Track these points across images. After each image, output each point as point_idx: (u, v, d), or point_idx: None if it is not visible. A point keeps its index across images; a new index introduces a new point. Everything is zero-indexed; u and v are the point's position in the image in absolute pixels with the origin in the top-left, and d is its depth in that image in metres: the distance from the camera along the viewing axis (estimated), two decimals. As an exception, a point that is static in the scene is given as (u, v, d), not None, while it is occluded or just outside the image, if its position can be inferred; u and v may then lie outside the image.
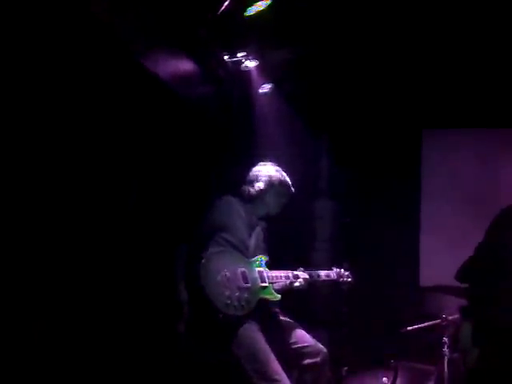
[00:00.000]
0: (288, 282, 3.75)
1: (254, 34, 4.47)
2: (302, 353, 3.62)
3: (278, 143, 4.97)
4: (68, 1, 3.21)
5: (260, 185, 3.86)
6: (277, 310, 3.75)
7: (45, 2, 3.07)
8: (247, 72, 4.79)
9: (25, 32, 2.99)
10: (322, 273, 3.94)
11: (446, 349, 4.04)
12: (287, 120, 5.15)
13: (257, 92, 4.98)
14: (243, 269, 3.59)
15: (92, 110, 3.51)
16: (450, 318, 4.11)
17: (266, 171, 3.90)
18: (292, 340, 3.66)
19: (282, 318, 3.76)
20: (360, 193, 5.53)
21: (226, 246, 3.65)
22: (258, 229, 3.87)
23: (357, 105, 5.63)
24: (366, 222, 5.46)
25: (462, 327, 2.99)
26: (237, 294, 3.48)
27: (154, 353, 3.92)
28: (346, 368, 4.42)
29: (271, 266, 3.77)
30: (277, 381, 3.39)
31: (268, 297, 3.64)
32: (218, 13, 4.07)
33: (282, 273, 3.77)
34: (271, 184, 3.86)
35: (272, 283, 3.68)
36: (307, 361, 3.60)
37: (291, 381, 3.53)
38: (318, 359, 3.60)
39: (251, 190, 3.86)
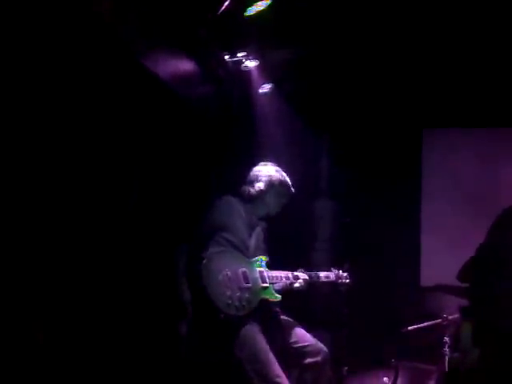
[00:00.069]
0: (288, 282, 3.75)
1: (254, 33, 4.47)
2: (302, 352, 3.62)
3: (278, 143, 4.97)
4: (70, 0, 3.21)
5: (260, 185, 3.86)
6: (277, 309, 3.76)
7: (47, 2, 3.07)
8: (247, 72, 4.79)
9: (26, 30, 2.99)
10: (322, 274, 3.95)
11: (446, 348, 4.03)
12: (287, 120, 5.15)
13: (257, 92, 4.98)
14: (244, 269, 3.60)
15: (92, 109, 3.51)
16: (451, 317, 4.10)
17: (267, 171, 3.90)
18: (293, 339, 3.66)
19: (282, 317, 3.77)
20: (360, 193, 5.52)
21: (226, 245, 3.65)
22: (258, 229, 3.88)
23: (357, 105, 5.63)
24: (366, 221, 5.46)
25: (462, 327, 2.99)
26: (238, 294, 3.48)
27: (155, 353, 3.92)
28: (346, 368, 4.41)
29: (271, 266, 3.78)
30: (276, 382, 3.39)
31: (269, 297, 3.65)
32: (218, 13, 4.07)
33: (282, 273, 3.77)
34: (271, 184, 3.86)
35: (272, 283, 3.68)
36: (308, 360, 3.61)
37: (292, 380, 3.54)
38: (318, 358, 3.61)
39: (251, 190, 3.86)
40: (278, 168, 3.95)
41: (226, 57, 4.63)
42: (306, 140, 5.40)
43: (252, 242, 3.78)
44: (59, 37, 3.19)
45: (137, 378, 3.77)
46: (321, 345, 3.67)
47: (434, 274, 5.28)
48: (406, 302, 5.19)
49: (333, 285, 4.02)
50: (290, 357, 3.63)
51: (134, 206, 3.94)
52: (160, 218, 4.10)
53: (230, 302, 3.44)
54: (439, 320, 4.17)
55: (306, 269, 3.89)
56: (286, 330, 3.70)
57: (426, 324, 4.26)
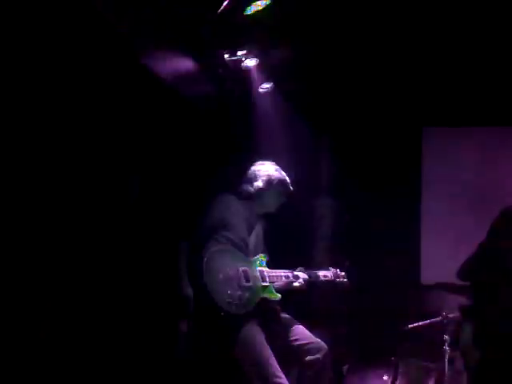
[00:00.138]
0: (288, 281, 3.76)
1: (254, 32, 4.47)
2: (303, 349, 3.63)
3: (278, 142, 4.97)
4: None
5: (259, 183, 3.86)
6: (277, 307, 3.76)
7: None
8: (247, 71, 4.79)
9: (27, 27, 2.99)
10: (320, 273, 3.96)
11: (446, 346, 4.05)
12: (287, 118, 5.14)
13: (257, 91, 4.98)
14: (245, 268, 3.60)
15: (94, 107, 3.51)
16: (451, 315, 4.12)
17: (265, 170, 3.90)
18: (293, 337, 3.67)
19: (282, 315, 3.77)
20: (360, 191, 5.52)
21: (226, 244, 3.65)
22: (258, 227, 3.88)
23: (357, 103, 5.63)
24: (366, 220, 5.46)
25: (462, 327, 2.99)
26: (238, 292, 3.48)
27: (155, 350, 3.93)
28: (346, 366, 4.42)
29: (271, 264, 3.78)
30: (276, 383, 3.40)
31: (269, 296, 3.65)
32: (219, 12, 4.07)
33: (282, 272, 3.78)
34: (270, 183, 3.86)
35: (272, 283, 3.69)
36: (308, 358, 3.61)
37: (292, 378, 3.55)
38: (319, 356, 3.61)
39: (250, 188, 3.86)
40: (276, 166, 3.95)
41: (226, 56, 4.63)
42: (306, 138, 5.39)
43: (252, 241, 3.79)
44: (59, 36, 3.20)
45: (136, 374, 3.77)
46: (321, 342, 3.67)
47: (435, 272, 5.28)
48: (406, 300, 5.19)
49: (332, 283, 4.02)
50: (291, 354, 3.64)
51: (135, 203, 3.94)
52: (161, 215, 4.11)
53: (230, 300, 3.44)
54: (439, 318, 4.18)
55: (306, 268, 3.89)
56: (287, 328, 3.70)
57: (426, 322, 4.28)
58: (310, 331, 3.74)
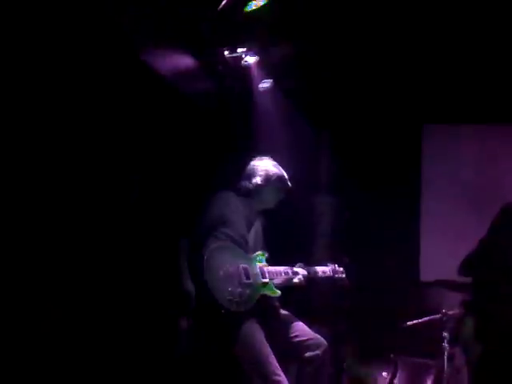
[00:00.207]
0: (287, 278, 3.76)
1: (254, 29, 4.47)
2: (302, 346, 3.63)
3: (278, 139, 4.97)
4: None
5: (257, 180, 3.85)
6: (277, 303, 3.77)
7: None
8: (247, 68, 4.79)
9: (27, 24, 2.99)
10: (319, 269, 3.96)
11: (445, 343, 4.05)
12: (287, 115, 5.14)
13: (257, 88, 4.97)
14: (245, 265, 3.60)
15: (93, 104, 3.51)
16: (450, 312, 4.12)
17: (263, 166, 3.90)
18: (293, 333, 3.67)
19: (282, 312, 3.78)
20: (360, 188, 5.53)
21: (226, 240, 3.65)
22: (257, 224, 3.89)
23: (357, 100, 5.62)
24: (366, 217, 5.47)
25: (464, 322, 3.00)
26: (239, 290, 3.49)
27: (155, 347, 3.93)
28: (345, 362, 4.43)
29: (271, 261, 3.79)
30: (275, 381, 3.41)
31: (269, 293, 3.66)
32: (219, 9, 4.07)
33: (282, 269, 3.78)
34: (268, 179, 3.86)
35: (272, 279, 3.69)
36: (308, 354, 3.61)
37: (291, 375, 3.55)
38: (318, 352, 3.61)
39: (249, 185, 3.86)
40: (274, 162, 3.94)
41: (226, 53, 4.63)
42: (306, 135, 5.40)
43: (251, 237, 3.79)
44: (59, 32, 3.19)
45: (137, 371, 3.78)
46: (321, 338, 3.68)
47: (434, 269, 5.29)
48: (405, 297, 5.20)
49: (331, 279, 4.03)
50: (290, 351, 3.64)
51: (136, 200, 3.95)
52: (160, 212, 4.11)
53: (231, 298, 3.44)
54: (438, 315, 4.19)
55: (305, 264, 3.90)
56: (286, 325, 3.70)
57: (425, 319, 4.28)
58: (310, 328, 3.74)
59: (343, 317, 4.67)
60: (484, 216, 3.48)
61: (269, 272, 3.69)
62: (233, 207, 3.77)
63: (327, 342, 3.70)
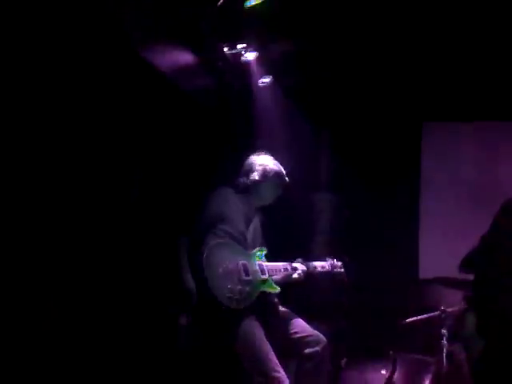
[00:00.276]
0: (287, 273, 3.76)
1: (254, 25, 4.46)
2: (302, 342, 3.64)
3: (277, 135, 4.97)
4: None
5: (255, 176, 3.85)
6: (276, 300, 3.77)
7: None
8: (247, 64, 4.78)
9: (26, 20, 2.99)
10: (317, 264, 3.97)
11: (444, 340, 4.05)
12: (287, 112, 5.14)
13: (256, 84, 4.97)
14: (244, 261, 3.60)
15: (93, 101, 3.51)
16: (449, 309, 4.12)
17: (261, 162, 3.89)
18: (292, 330, 3.67)
19: (281, 308, 3.78)
20: (360, 186, 5.52)
21: (225, 237, 3.65)
22: (256, 220, 3.89)
23: (357, 98, 5.62)
24: (365, 214, 5.46)
25: (466, 317, 2.99)
26: (239, 287, 3.49)
27: (155, 345, 3.93)
28: (344, 359, 4.43)
29: (270, 258, 3.79)
30: (274, 378, 3.41)
31: (268, 289, 3.66)
32: (218, 5, 4.07)
33: (281, 265, 3.78)
34: (266, 175, 3.85)
35: (271, 275, 3.69)
36: (307, 350, 3.61)
37: (290, 371, 3.55)
38: (318, 348, 3.62)
39: (246, 181, 3.86)
40: (272, 158, 3.94)
41: (226, 49, 4.62)
42: (306, 132, 5.39)
43: (250, 234, 3.79)
44: (58, 29, 3.19)
45: (137, 368, 3.78)
46: (320, 335, 3.68)
47: (433, 267, 5.29)
48: (404, 294, 5.20)
49: (331, 276, 4.03)
50: (290, 347, 3.65)
51: (137, 198, 3.95)
52: (161, 210, 4.11)
53: (230, 295, 3.44)
54: (437, 312, 4.18)
55: (304, 259, 3.90)
56: (286, 321, 3.71)
57: (424, 316, 4.28)
58: (309, 325, 3.75)
59: (342, 314, 4.66)
60: (483, 213, 3.47)
61: (268, 268, 3.69)
62: (231, 204, 3.77)
63: (326, 338, 3.71)
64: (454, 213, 5.54)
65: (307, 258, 3.95)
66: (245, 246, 3.71)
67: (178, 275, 3.55)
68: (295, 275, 3.77)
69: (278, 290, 3.69)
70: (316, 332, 3.69)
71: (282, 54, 4.95)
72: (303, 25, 4.58)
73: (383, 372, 4.33)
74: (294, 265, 3.81)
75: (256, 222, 3.89)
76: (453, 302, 4.06)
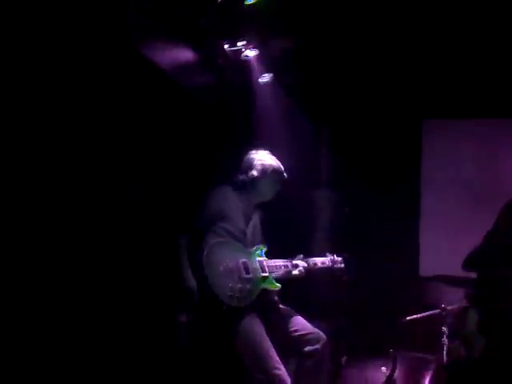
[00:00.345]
0: (287, 270, 3.76)
1: (255, 23, 4.46)
2: (302, 340, 3.64)
3: (278, 133, 4.96)
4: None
5: (254, 173, 3.84)
6: (276, 298, 3.77)
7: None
8: (247, 61, 4.77)
9: (25, 17, 2.98)
10: (318, 260, 3.97)
11: (445, 338, 4.05)
12: (287, 109, 5.13)
13: (257, 81, 4.96)
14: (244, 259, 3.60)
15: (92, 98, 3.50)
16: (450, 307, 4.12)
17: (259, 159, 3.89)
18: (292, 327, 3.67)
19: (281, 306, 3.78)
20: (360, 183, 5.52)
21: (225, 236, 3.65)
22: (255, 217, 3.88)
23: (357, 95, 5.61)
24: (365, 212, 5.46)
25: (467, 315, 2.99)
26: (239, 285, 3.49)
27: (155, 344, 3.93)
28: (345, 357, 4.43)
29: (271, 255, 3.78)
30: (275, 375, 3.41)
31: (269, 286, 3.66)
32: (219, 1, 4.06)
33: (281, 262, 3.78)
34: (265, 171, 3.85)
35: (272, 273, 3.69)
36: (308, 348, 3.62)
37: (291, 369, 3.55)
38: (318, 346, 3.62)
39: (245, 178, 3.85)
40: (270, 154, 3.94)
41: (226, 46, 4.61)
42: (306, 130, 5.39)
43: (249, 231, 3.79)
44: (58, 27, 3.18)
45: (137, 367, 3.78)
46: (320, 333, 3.69)
47: (433, 264, 5.29)
48: (404, 292, 5.20)
49: (331, 272, 4.03)
50: (290, 345, 3.65)
51: (139, 197, 3.94)
52: (162, 207, 4.10)
53: (231, 293, 3.45)
54: (438, 310, 4.18)
55: (304, 256, 3.90)
56: (286, 319, 3.71)
57: (424, 314, 4.28)
58: (309, 322, 3.74)
59: (343, 312, 4.66)
60: (484, 211, 3.48)
61: (268, 266, 3.69)
62: (231, 202, 3.77)
63: (327, 336, 3.71)
64: (454, 210, 5.53)
65: (307, 255, 3.94)
66: (245, 243, 3.71)
67: (178, 274, 3.54)
68: (296, 272, 3.76)
69: (278, 287, 3.69)
70: (316, 330, 3.69)
71: (283, 52, 4.94)
72: (303, 22, 4.57)
73: (383, 370, 4.33)
74: (295, 261, 3.81)
75: (256, 219, 3.89)
76: (453, 300, 4.06)
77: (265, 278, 3.64)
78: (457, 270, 3.50)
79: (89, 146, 3.50)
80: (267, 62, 4.88)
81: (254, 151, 3.94)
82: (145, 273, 3.88)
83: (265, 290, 3.64)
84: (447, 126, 5.80)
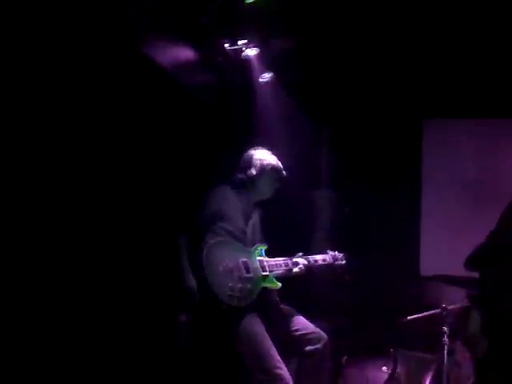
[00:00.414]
0: (288, 269, 3.75)
1: (255, 22, 4.46)
2: (303, 339, 3.63)
3: (278, 132, 4.96)
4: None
5: (252, 171, 3.84)
6: (277, 298, 3.76)
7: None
8: (248, 60, 4.77)
9: (27, 16, 2.97)
10: (319, 257, 3.95)
11: (445, 338, 4.04)
12: (287, 109, 5.13)
13: (257, 81, 4.96)
14: (244, 259, 3.60)
15: (93, 97, 3.49)
16: (450, 307, 4.11)
17: (258, 157, 3.88)
18: (294, 327, 3.67)
19: (282, 305, 3.77)
20: (360, 183, 5.52)
21: (224, 235, 3.65)
22: (255, 216, 3.88)
23: (357, 95, 5.61)
24: (366, 211, 5.45)
25: (470, 315, 2.98)
26: (239, 285, 3.48)
27: (156, 344, 3.93)
28: (345, 357, 4.43)
29: (270, 254, 3.78)
30: (276, 374, 3.41)
31: (269, 285, 3.65)
32: (219, 0, 4.05)
33: (282, 260, 3.77)
34: (263, 169, 3.84)
35: (272, 271, 3.68)
36: (309, 347, 3.61)
37: (292, 368, 3.55)
38: (319, 346, 3.62)
39: (244, 177, 3.85)
40: (269, 152, 3.93)
41: (227, 45, 4.61)
42: (307, 129, 5.38)
43: (249, 230, 3.78)
44: (58, 26, 3.17)
45: (137, 365, 3.77)
46: (321, 332, 3.68)
47: (434, 264, 5.29)
48: (405, 291, 5.19)
49: (332, 269, 4.02)
50: (291, 344, 3.65)
51: (144, 197, 3.94)
52: (160, 208, 4.10)
53: (231, 293, 3.44)
54: (438, 310, 4.18)
55: (304, 253, 3.89)
56: (287, 318, 3.71)
57: (425, 314, 4.27)
58: (310, 322, 3.74)
59: (343, 311, 4.66)
60: (484, 210, 3.48)
61: (269, 264, 3.68)
62: (230, 201, 3.76)
63: (327, 336, 3.70)
64: (454, 210, 5.53)
65: (307, 254, 3.94)
66: (245, 242, 3.70)
67: (178, 274, 3.54)
68: (296, 269, 3.75)
69: (279, 285, 3.69)
70: (317, 329, 3.69)
71: (283, 51, 4.94)
72: (304, 21, 4.57)
73: (384, 369, 4.32)
74: (295, 259, 3.80)
75: (255, 218, 3.88)
76: (454, 300, 4.05)
77: (265, 276, 3.64)
78: (457, 270, 3.50)
79: (89, 146, 3.49)
80: (267, 61, 4.88)
81: (252, 149, 3.93)
82: (145, 273, 3.87)
83: (265, 289, 3.64)
84: (447, 125, 5.80)
